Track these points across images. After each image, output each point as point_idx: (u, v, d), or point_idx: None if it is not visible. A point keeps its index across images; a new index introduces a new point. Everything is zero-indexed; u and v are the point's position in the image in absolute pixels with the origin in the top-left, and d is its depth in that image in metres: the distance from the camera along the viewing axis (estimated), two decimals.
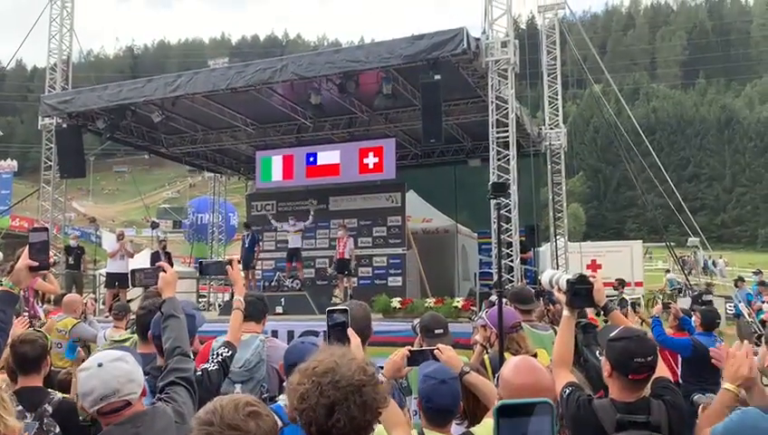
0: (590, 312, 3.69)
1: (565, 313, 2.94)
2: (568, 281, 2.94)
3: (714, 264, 28.73)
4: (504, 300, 4.42)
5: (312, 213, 14.54)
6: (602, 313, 3.06)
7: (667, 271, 24.22)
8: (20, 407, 3.04)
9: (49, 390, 3.31)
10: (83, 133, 14.51)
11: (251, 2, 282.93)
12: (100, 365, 2.22)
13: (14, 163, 43.48)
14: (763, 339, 2.51)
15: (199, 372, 2.94)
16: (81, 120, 14.10)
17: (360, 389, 1.57)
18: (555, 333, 4.86)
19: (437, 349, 2.82)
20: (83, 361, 5.22)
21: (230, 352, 3.22)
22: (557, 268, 15.69)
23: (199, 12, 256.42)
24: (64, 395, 3.28)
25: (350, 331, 2.69)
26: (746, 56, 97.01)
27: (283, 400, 2.82)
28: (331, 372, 1.58)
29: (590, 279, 2.97)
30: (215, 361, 3.13)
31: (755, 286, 15.47)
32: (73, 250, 14.67)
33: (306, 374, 1.61)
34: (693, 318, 6.46)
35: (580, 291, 2.88)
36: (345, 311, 2.75)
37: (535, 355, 3.44)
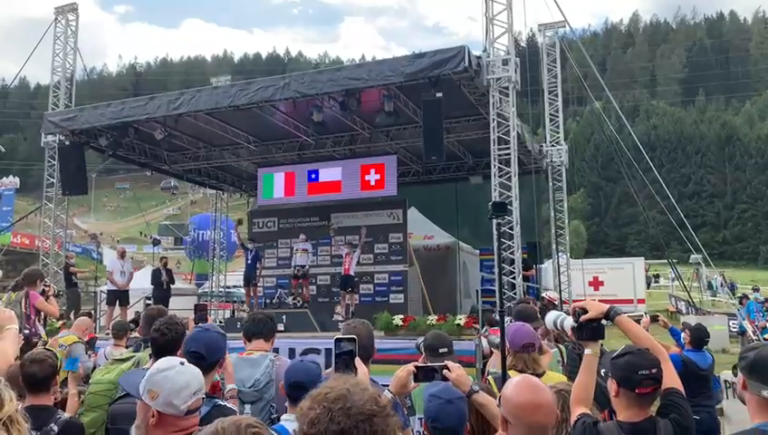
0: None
1: (587, 351, 2.80)
2: (574, 328, 2.85)
3: (722, 283, 28.58)
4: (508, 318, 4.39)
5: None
6: (607, 320, 2.93)
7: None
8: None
9: (56, 409, 3.31)
10: (86, 150, 14.56)
11: (253, 20, 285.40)
12: (182, 363, 2.24)
13: (17, 180, 43.66)
14: (738, 368, 2.46)
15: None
16: (83, 138, 14.14)
17: (370, 418, 1.54)
18: (560, 351, 4.83)
19: (446, 367, 2.77)
20: (86, 377, 5.20)
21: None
22: (559, 285, 15.66)
23: (201, 30, 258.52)
24: (71, 415, 3.28)
25: (357, 360, 2.67)
26: (745, 74, 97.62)
27: (286, 420, 2.80)
28: (342, 398, 1.56)
29: (585, 307, 2.86)
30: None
31: (752, 304, 15.36)
32: (70, 268, 14.75)
33: (317, 400, 1.58)
34: (683, 334, 6.44)
35: (590, 327, 2.80)
36: (353, 340, 2.73)
37: (539, 375, 3.39)
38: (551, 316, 3.17)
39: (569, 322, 2.92)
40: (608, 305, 2.84)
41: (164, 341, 3.40)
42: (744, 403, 2.47)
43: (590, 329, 2.78)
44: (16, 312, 6.10)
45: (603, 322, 2.82)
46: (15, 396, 1.69)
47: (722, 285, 28.25)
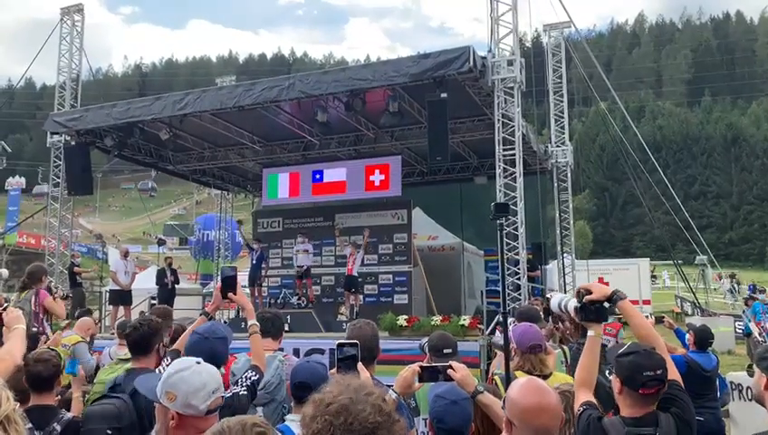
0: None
1: (590, 333, 2.83)
2: (576, 308, 2.87)
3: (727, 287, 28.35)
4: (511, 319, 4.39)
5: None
6: (609, 303, 2.90)
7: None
8: (29, 425, 3.05)
9: (59, 409, 3.32)
10: (91, 150, 14.60)
11: (258, 21, 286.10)
12: (198, 363, 2.20)
13: (23, 180, 43.84)
14: (755, 365, 2.45)
15: (229, 394, 2.92)
16: (89, 138, 14.18)
17: (374, 432, 1.49)
18: (564, 352, 4.83)
19: (451, 367, 2.77)
20: (90, 376, 5.22)
21: (257, 377, 3.19)
22: (564, 286, 15.61)
23: (207, 31, 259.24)
24: (74, 415, 3.29)
25: (359, 365, 2.66)
26: (752, 74, 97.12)
27: (291, 420, 2.80)
28: (344, 411, 1.51)
29: (590, 289, 2.87)
30: (243, 385, 3.08)
31: (758, 305, 15.27)
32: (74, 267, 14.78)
33: (320, 409, 1.55)
34: (687, 335, 6.42)
35: (593, 308, 2.82)
36: (355, 344, 2.72)
37: (546, 377, 3.38)
38: (556, 298, 3.20)
39: (573, 303, 2.94)
40: (612, 288, 2.87)
41: (137, 335, 3.53)
42: (763, 404, 2.46)
43: (593, 310, 2.82)
44: (26, 310, 6.13)
45: (606, 305, 2.85)
46: (13, 396, 1.69)
47: (730, 290, 28.08)
